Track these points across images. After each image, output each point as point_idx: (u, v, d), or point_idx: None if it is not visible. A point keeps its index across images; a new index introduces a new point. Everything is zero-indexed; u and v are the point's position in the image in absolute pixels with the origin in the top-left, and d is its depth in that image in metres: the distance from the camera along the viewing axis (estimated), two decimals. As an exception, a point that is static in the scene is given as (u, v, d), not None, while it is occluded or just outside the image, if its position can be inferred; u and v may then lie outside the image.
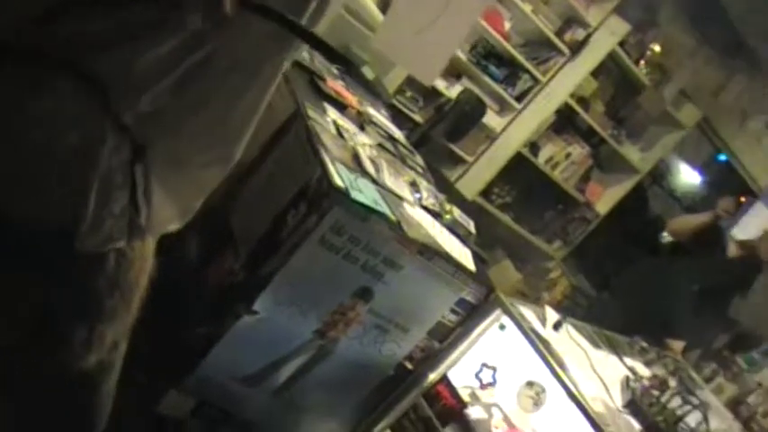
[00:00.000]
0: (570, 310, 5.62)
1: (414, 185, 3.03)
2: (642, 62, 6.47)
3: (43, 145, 1.28)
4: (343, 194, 2.45)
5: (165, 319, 2.36)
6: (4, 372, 1.49)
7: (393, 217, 2.58)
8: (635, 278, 5.34)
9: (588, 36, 6.04)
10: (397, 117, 5.34)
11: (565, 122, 6.72)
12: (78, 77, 1.26)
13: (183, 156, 1.45)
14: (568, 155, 6.72)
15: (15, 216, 1.30)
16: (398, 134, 3.76)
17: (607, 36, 6.07)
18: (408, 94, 5.85)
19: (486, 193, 6.53)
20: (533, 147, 6.57)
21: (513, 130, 6.28)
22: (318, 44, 1.38)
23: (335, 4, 1.51)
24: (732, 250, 5.18)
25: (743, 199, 5.37)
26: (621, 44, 6.18)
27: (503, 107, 6.29)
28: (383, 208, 2.57)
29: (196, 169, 1.51)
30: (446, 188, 3.77)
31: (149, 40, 1.28)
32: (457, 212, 3.11)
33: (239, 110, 1.48)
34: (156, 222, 1.49)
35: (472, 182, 6.33)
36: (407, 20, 3.35)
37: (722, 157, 7.56)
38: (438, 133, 5.43)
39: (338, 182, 2.47)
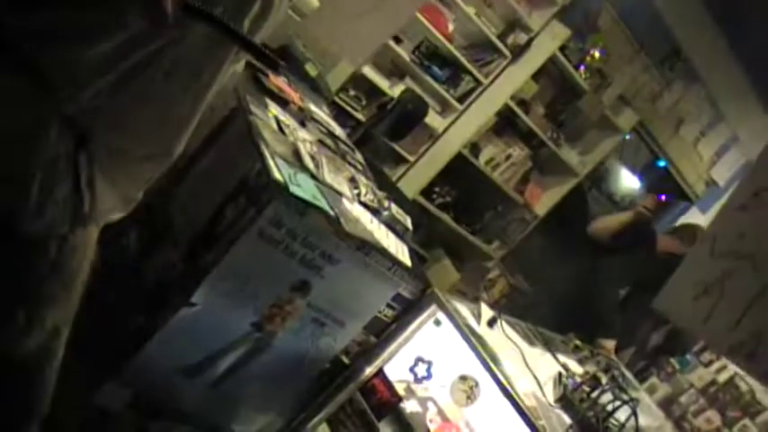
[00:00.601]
0: (507, 308, 5.70)
1: (353, 181, 3.06)
2: (582, 67, 6.58)
3: None
4: (283, 188, 2.46)
5: (103, 309, 2.36)
6: None
7: (331, 212, 2.60)
8: (568, 277, 5.40)
9: (530, 40, 6.14)
10: (340, 115, 5.38)
11: (505, 124, 6.81)
12: (20, 64, 1.28)
13: (124, 148, 1.47)
14: (508, 156, 6.81)
15: None
16: (339, 131, 3.78)
17: (548, 40, 6.17)
18: (351, 92, 5.88)
19: (426, 192, 6.59)
20: (474, 147, 6.64)
21: (454, 130, 6.35)
22: (256, 50, 1.41)
23: (279, 14, 1.54)
24: (661, 246, 5.26)
25: (662, 198, 5.42)
26: (562, 49, 6.29)
27: (445, 108, 6.34)
28: (322, 203, 2.59)
29: (138, 161, 1.54)
30: (387, 187, 3.80)
31: (93, 37, 1.30)
32: (395, 209, 3.14)
33: (180, 108, 1.51)
34: (99, 211, 1.51)
35: (413, 181, 6.38)
36: (344, 5, 3.40)
37: (661, 163, 7.71)
38: (380, 132, 5.46)
39: (277, 176, 2.48)
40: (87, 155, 1.39)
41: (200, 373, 2.82)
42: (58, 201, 1.39)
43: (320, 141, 3.24)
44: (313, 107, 3.68)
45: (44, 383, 1.68)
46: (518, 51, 6.14)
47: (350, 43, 3.69)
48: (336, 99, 5.55)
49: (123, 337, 2.76)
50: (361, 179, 3.20)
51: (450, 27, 6.00)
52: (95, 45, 1.30)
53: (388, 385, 3.03)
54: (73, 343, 1.71)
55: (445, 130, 6.34)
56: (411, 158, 6.33)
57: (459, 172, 6.58)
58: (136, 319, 2.78)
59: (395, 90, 5.87)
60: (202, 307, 2.61)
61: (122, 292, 2.83)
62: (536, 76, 6.47)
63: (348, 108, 5.86)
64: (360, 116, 5.89)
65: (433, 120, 6.22)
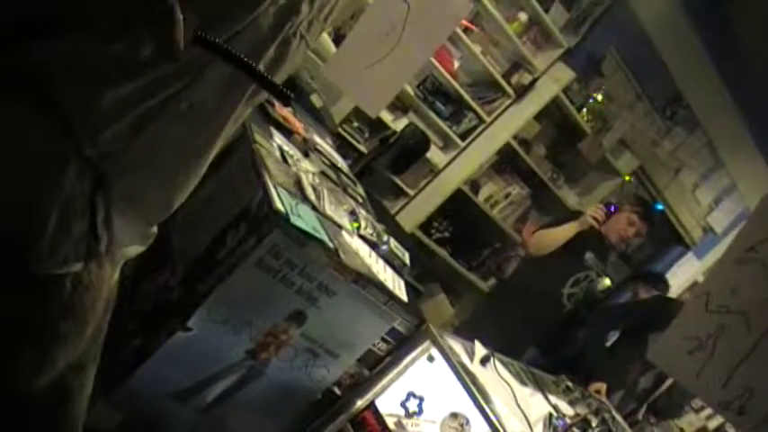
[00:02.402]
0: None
1: (353, 214, 3.09)
2: (584, 110, 6.62)
3: None
4: (283, 219, 2.49)
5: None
6: None
7: (330, 244, 2.62)
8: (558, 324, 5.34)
9: (534, 80, 6.18)
10: (342, 146, 5.41)
11: (506, 163, 6.85)
12: (42, 102, 1.30)
13: (141, 188, 1.49)
14: (508, 195, 6.85)
15: None
16: (342, 163, 3.82)
17: (552, 82, 6.21)
18: (355, 124, 5.92)
19: (425, 226, 6.61)
20: (474, 184, 6.68)
21: (455, 166, 6.38)
22: (270, 85, 1.43)
23: (296, 59, 1.57)
24: (643, 293, 5.23)
25: (612, 209, 5.22)
26: (565, 91, 6.34)
27: (446, 144, 6.38)
28: (321, 235, 2.61)
29: (153, 199, 1.55)
30: (386, 219, 3.82)
31: (114, 78, 1.32)
32: (393, 243, 3.17)
33: (195, 149, 1.54)
34: (116, 249, 1.52)
35: (412, 215, 6.40)
36: (359, 53, 3.44)
37: (659, 207, 7.73)
38: (381, 165, 5.49)
39: (279, 206, 2.51)
40: (104, 195, 1.41)
41: (191, 397, 2.82)
42: (74, 239, 1.40)
43: (322, 173, 3.27)
44: (317, 138, 3.72)
45: (67, 421, 1.67)
46: (522, 91, 6.18)
47: (366, 91, 3.71)
48: (340, 130, 5.58)
49: (117, 359, 2.76)
50: (362, 212, 3.23)
51: (456, 64, 6.06)
52: (117, 87, 1.32)
53: (379, 419, 3.03)
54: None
55: (446, 166, 6.37)
56: (411, 192, 6.35)
57: (459, 208, 6.61)
58: (130, 342, 2.79)
59: (398, 124, 5.91)
60: (198, 332, 2.62)
61: (117, 314, 2.84)
62: (538, 117, 6.51)
63: (351, 140, 5.90)
64: (362, 148, 5.92)
65: (435, 155, 6.25)
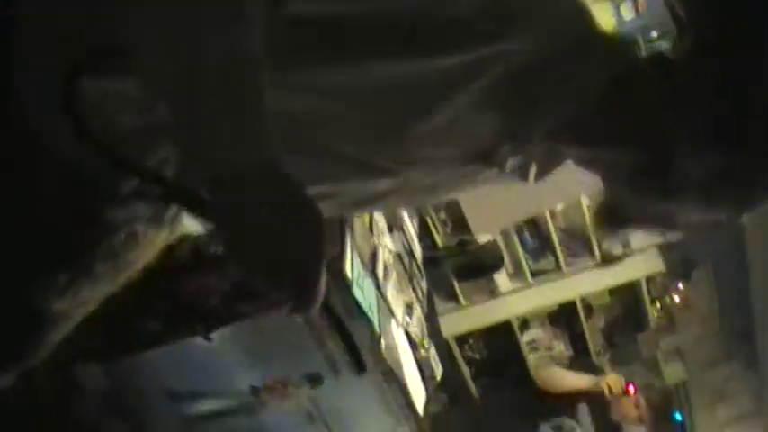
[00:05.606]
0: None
1: (409, 308, 3.07)
2: (657, 304, 6.53)
3: None
4: (346, 285, 2.48)
5: (130, 298, 2.38)
6: None
7: (377, 328, 2.60)
8: None
9: (624, 255, 6.12)
10: (421, 229, 5.40)
11: (563, 318, 6.75)
12: None
13: None
14: (550, 347, 6.73)
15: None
16: (418, 252, 3.81)
17: (640, 265, 6.15)
18: (443, 215, 5.91)
19: (461, 339, 6.54)
20: (524, 323, 6.59)
21: (515, 298, 6.32)
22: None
23: None
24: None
25: (631, 389, 4.98)
26: (648, 279, 6.25)
27: (517, 273, 6.32)
28: (373, 316, 2.60)
29: None
30: (432, 317, 3.79)
31: None
32: (433, 354, 3.13)
33: None
34: (179, 220, 1.53)
35: (454, 323, 6.34)
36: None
37: (678, 417, 7.55)
38: (449, 265, 5.47)
39: (348, 272, 2.50)
40: None
41: (181, 402, 2.81)
42: (149, 199, 1.41)
43: (398, 255, 3.25)
44: (405, 216, 3.72)
45: (48, 336, 1.68)
46: (608, 260, 6.13)
47: (482, 212, 3.69)
48: (427, 216, 5.58)
49: (131, 332, 2.76)
50: (417, 309, 3.20)
51: (560, 207, 6.03)
52: None
53: None
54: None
55: (507, 294, 6.31)
56: (464, 303, 6.30)
57: (499, 337, 6.53)
58: (151, 322, 2.78)
59: (481, 236, 5.88)
60: (215, 346, 2.60)
61: (154, 292, 2.84)
62: (612, 291, 6.45)
63: (432, 227, 5.88)
64: (438, 240, 5.91)
65: (501, 279, 6.21)
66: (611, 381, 4.85)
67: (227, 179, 1.09)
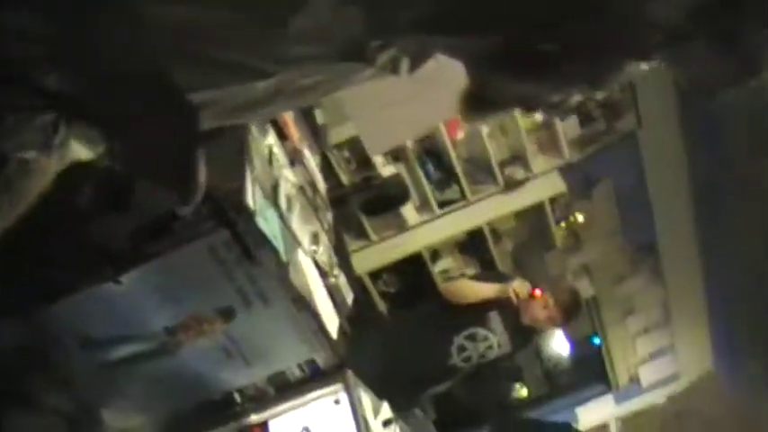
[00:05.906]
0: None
1: (315, 237, 3.08)
2: (562, 224, 6.67)
3: None
4: (250, 215, 2.48)
5: (32, 251, 2.35)
6: None
7: (284, 257, 2.61)
8: None
9: (526, 179, 6.23)
10: (326, 169, 5.40)
11: (472, 245, 6.85)
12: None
13: None
14: (463, 275, 6.82)
15: None
16: (321, 185, 3.81)
17: (543, 187, 6.28)
18: (346, 153, 5.91)
19: (374, 275, 6.59)
20: (434, 254, 6.68)
21: (423, 230, 6.39)
22: None
23: None
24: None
25: (537, 292, 4.91)
26: (551, 200, 6.38)
27: (424, 206, 6.38)
28: (279, 244, 2.60)
29: None
30: (342, 254, 3.80)
31: None
32: (342, 281, 3.16)
33: None
34: (69, 146, 1.53)
35: (367, 260, 6.38)
36: (382, 90, 3.44)
37: (596, 341, 7.78)
38: (356, 201, 5.47)
39: (249, 202, 2.50)
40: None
41: (96, 348, 2.78)
42: (36, 127, 1.41)
43: (301, 187, 3.26)
44: (306, 152, 3.71)
45: None
46: (511, 185, 6.23)
47: (374, 129, 3.68)
48: (329, 153, 5.58)
49: (41, 283, 2.72)
50: (323, 239, 3.22)
51: (460, 135, 6.08)
52: None
53: (267, 440, 3.01)
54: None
55: (415, 227, 6.38)
56: (374, 238, 6.34)
57: (411, 270, 6.60)
58: (60, 273, 2.74)
59: (385, 170, 5.90)
60: (127, 289, 2.59)
61: (59, 241, 2.80)
62: (517, 214, 6.59)
63: (336, 166, 5.89)
64: (343, 178, 5.92)
65: (409, 212, 6.26)
66: (518, 286, 4.83)
67: (112, 79, 1.10)
